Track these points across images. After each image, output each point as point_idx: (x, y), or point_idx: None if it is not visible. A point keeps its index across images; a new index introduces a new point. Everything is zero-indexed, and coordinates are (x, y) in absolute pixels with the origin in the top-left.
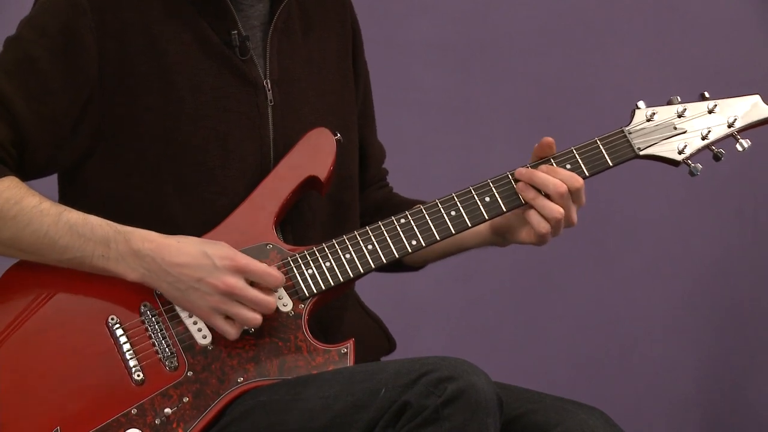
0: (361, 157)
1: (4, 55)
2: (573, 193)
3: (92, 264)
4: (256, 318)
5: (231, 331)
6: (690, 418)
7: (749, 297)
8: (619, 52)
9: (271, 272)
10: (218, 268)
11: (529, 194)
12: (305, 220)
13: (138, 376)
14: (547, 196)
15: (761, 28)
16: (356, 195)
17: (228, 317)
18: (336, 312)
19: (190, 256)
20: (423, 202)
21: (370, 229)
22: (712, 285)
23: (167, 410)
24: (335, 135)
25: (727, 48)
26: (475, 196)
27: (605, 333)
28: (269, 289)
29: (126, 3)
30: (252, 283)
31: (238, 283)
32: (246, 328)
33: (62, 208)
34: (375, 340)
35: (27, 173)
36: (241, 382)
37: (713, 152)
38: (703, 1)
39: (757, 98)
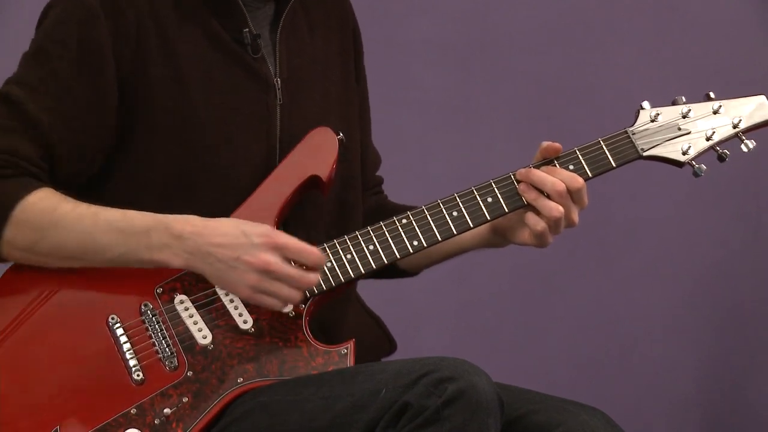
0: None
1: (25, 71)
2: (573, 194)
3: (138, 257)
4: (293, 294)
5: (277, 304)
6: (690, 419)
7: (750, 298)
8: (620, 51)
9: (309, 249)
10: (255, 245)
11: (531, 195)
12: (308, 220)
13: (138, 375)
14: (548, 196)
15: (761, 28)
16: (359, 195)
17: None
18: (337, 313)
19: (229, 236)
20: (417, 208)
21: (372, 230)
22: (712, 286)
23: (167, 410)
24: (338, 134)
25: (727, 48)
26: (477, 196)
27: (606, 333)
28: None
29: (138, 5)
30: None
31: (274, 260)
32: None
33: (98, 207)
34: (376, 340)
35: (60, 184)
36: (240, 383)
37: (718, 153)
38: (703, 1)
39: (762, 99)
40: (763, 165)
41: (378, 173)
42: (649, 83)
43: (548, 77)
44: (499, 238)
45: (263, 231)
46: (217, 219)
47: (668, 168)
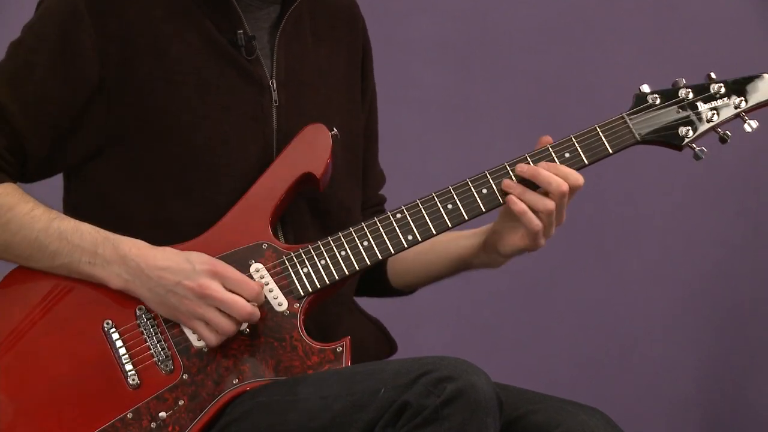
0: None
1: (5, 61)
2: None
3: (79, 270)
4: (229, 325)
5: (210, 338)
6: (690, 419)
7: (749, 297)
8: (619, 50)
9: (248, 282)
10: (196, 271)
11: (517, 189)
12: (305, 223)
13: (133, 380)
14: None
15: (761, 27)
16: (359, 206)
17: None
18: (336, 318)
19: (172, 261)
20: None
21: (366, 225)
22: (712, 285)
23: (162, 414)
24: (331, 130)
25: (727, 47)
26: (472, 188)
27: (605, 333)
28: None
29: (128, 4)
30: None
31: (213, 285)
32: (225, 335)
33: (55, 214)
34: (376, 344)
35: (30, 176)
36: (236, 384)
37: (719, 135)
38: (703, 0)
39: (765, 77)
40: (764, 161)
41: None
42: (648, 82)
43: (548, 76)
44: (492, 254)
45: (206, 259)
46: (163, 247)
47: (668, 166)
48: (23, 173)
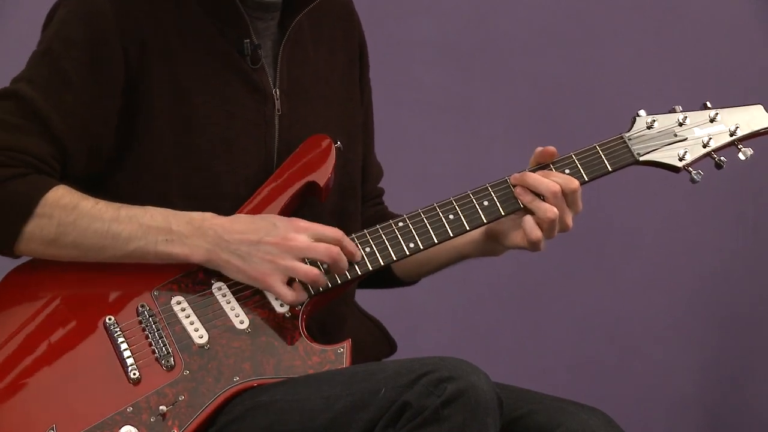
0: None
1: (35, 70)
2: (568, 195)
3: (156, 250)
4: (316, 272)
5: (289, 295)
6: (690, 419)
7: (748, 300)
8: (620, 52)
9: (327, 228)
10: (277, 226)
11: (527, 198)
12: None
13: (134, 374)
14: (543, 199)
15: (761, 28)
16: (358, 205)
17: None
18: (336, 318)
19: (249, 222)
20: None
21: (368, 232)
22: (712, 288)
23: (162, 408)
24: (335, 142)
25: (727, 49)
26: (474, 200)
27: (606, 334)
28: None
29: (144, 9)
30: None
31: (298, 237)
32: (311, 290)
33: (119, 204)
34: (376, 344)
35: (69, 182)
36: (237, 381)
37: (715, 160)
38: (703, 2)
39: (759, 108)
40: (761, 167)
41: (379, 185)
42: (649, 85)
43: (548, 78)
44: (494, 243)
45: (281, 216)
46: (232, 216)
47: (666, 175)
48: (64, 181)
